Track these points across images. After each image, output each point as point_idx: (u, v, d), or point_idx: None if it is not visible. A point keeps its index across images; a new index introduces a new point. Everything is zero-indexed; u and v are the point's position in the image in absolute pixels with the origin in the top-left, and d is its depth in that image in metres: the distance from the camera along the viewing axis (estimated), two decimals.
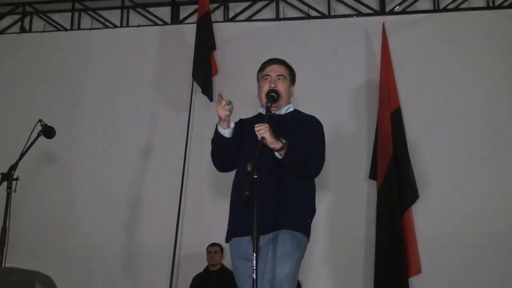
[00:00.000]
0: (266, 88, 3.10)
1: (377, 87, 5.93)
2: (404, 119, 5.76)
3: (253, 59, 6.18)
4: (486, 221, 5.49)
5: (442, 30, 6.11)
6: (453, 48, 6.02)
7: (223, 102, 2.94)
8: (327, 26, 6.39)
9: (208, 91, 6.26)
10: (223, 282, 5.64)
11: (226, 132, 3.05)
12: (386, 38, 6.02)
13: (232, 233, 3.00)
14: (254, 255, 2.57)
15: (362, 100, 6.02)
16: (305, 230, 2.96)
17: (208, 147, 6.27)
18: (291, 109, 3.19)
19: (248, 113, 6.07)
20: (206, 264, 5.79)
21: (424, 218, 5.56)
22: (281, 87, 3.11)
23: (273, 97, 3.03)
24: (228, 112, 2.95)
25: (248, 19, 6.67)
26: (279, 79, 3.13)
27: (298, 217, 2.94)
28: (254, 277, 2.56)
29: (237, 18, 6.71)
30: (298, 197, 2.95)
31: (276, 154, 2.82)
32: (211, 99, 6.27)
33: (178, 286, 5.86)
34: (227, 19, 6.75)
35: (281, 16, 6.60)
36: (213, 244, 5.77)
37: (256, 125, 2.80)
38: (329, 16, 6.49)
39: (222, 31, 6.55)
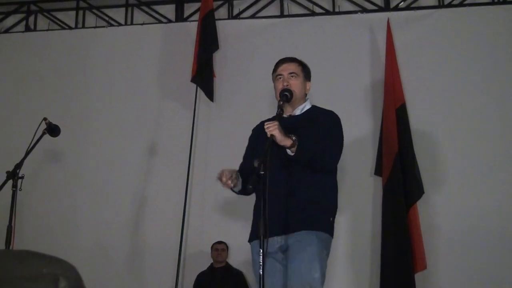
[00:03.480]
0: (280, 87, 3.14)
1: (382, 83, 5.90)
2: (409, 115, 5.74)
3: (258, 56, 6.28)
4: (492, 217, 5.47)
5: (447, 26, 6.09)
6: (458, 44, 6.00)
7: (223, 180, 2.95)
8: (331, 23, 6.37)
9: (209, 91, 6.25)
10: (227, 280, 5.65)
11: (236, 188, 3.07)
12: (391, 34, 6.00)
13: (254, 234, 3.03)
14: (261, 251, 2.59)
15: (367, 96, 6.01)
16: (329, 230, 2.99)
17: (213, 145, 6.31)
18: (308, 106, 3.21)
19: (253, 110, 6.07)
20: (211, 261, 5.80)
21: (430, 214, 5.54)
22: (294, 85, 3.14)
23: (286, 96, 3.06)
24: (232, 185, 2.97)
25: (253, 16, 6.66)
26: (291, 76, 3.16)
27: (320, 217, 2.96)
28: (261, 272, 2.57)
29: (241, 16, 6.70)
30: (319, 197, 2.97)
31: (288, 151, 2.84)
32: (212, 99, 6.26)
33: (184, 284, 5.86)
34: (231, 16, 6.74)
35: (285, 13, 6.58)
36: (219, 242, 5.79)
37: (265, 123, 2.84)
38: (333, 12, 6.46)
39: (226, 28, 6.54)
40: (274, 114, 3.21)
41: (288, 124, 2.99)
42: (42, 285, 1.34)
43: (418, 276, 5.30)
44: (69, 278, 1.38)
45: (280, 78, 3.17)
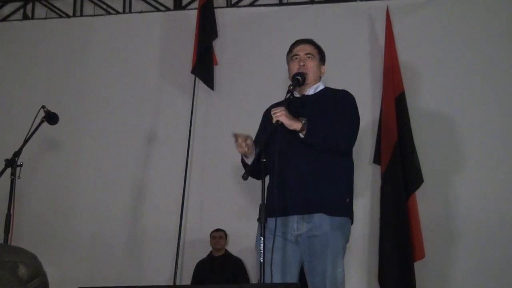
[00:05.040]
0: (295, 68, 3.10)
1: (381, 72, 5.89)
2: (408, 104, 5.72)
3: (257, 45, 6.26)
4: (491, 206, 5.47)
5: (447, 13, 6.05)
6: (458, 32, 5.97)
7: (239, 140, 2.92)
8: (330, 11, 6.34)
9: (209, 80, 6.24)
10: (227, 267, 5.67)
11: (249, 160, 3.02)
12: (390, 22, 5.97)
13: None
14: (261, 238, 2.59)
15: (366, 85, 5.99)
16: (346, 212, 2.98)
17: (211, 134, 6.31)
18: (321, 87, 3.18)
19: (252, 98, 6.05)
20: (210, 249, 5.81)
21: (428, 202, 5.54)
22: (310, 66, 3.12)
23: (298, 80, 3.03)
24: (246, 149, 2.93)
25: (251, 4, 6.62)
26: (308, 57, 3.14)
27: (336, 198, 2.94)
28: (262, 260, 2.58)
29: (240, 4, 6.66)
30: (334, 178, 2.95)
31: (300, 135, 2.84)
32: (212, 88, 6.25)
33: (183, 272, 5.88)
34: (230, 4, 6.70)
35: (284, 1, 6.54)
36: (217, 230, 5.81)
37: (272, 110, 2.84)
38: (332, 0, 6.43)
39: (225, 16, 6.52)
40: (279, 98, 3.19)
41: (300, 104, 3.00)
42: (2, 271, 1.44)
43: (417, 265, 5.31)
44: (28, 266, 1.49)
45: (297, 58, 3.14)
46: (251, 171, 2.79)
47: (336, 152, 2.96)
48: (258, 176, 2.87)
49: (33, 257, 1.54)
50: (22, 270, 1.47)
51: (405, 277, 5.23)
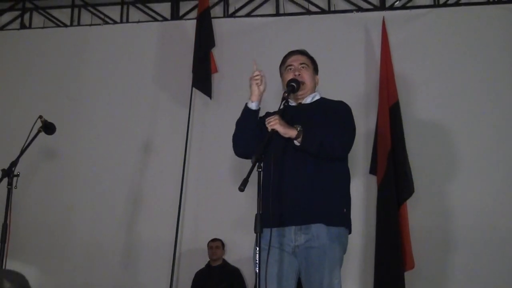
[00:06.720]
0: (290, 77, 3.10)
1: (377, 82, 5.91)
2: (402, 113, 5.74)
3: (253, 55, 6.23)
4: (483, 216, 5.48)
5: (442, 25, 6.10)
6: (453, 43, 6.01)
7: (256, 72, 3.04)
8: (327, 22, 6.38)
9: (207, 89, 6.26)
10: (224, 277, 5.66)
11: (253, 105, 3.07)
12: (386, 33, 6.01)
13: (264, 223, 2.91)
14: (257, 249, 2.58)
15: (361, 95, 6.01)
16: (344, 222, 2.96)
17: (208, 144, 6.30)
18: (317, 97, 3.19)
19: None
20: (208, 259, 5.80)
21: (422, 211, 5.55)
22: (306, 74, 3.14)
23: (292, 86, 3.02)
24: (255, 85, 3.05)
25: (248, 15, 6.66)
26: (302, 67, 3.15)
27: (333, 208, 2.92)
28: (257, 270, 2.57)
29: (237, 14, 6.70)
30: (330, 186, 2.93)
31: (295, 142, 2.84)
32: (210, 97, 6.27)
33: (179, 282, 5.87)
34: (227, 14, 6.74)
35: (281, 11, 6.58)
36: (214, 240, 5.79)
37: (266, 119, 2.84)
38: (329, 11, 6.47)
39: (222, 26, 6.55)
40: (275, 107, 3.22)
41: (297, 112, 3.01)
42: None
43: (410, 275, 5.31)
44: (13, 281, 1.57)
45: (291, 68, 3.15)
46: (245, 122, 3.03)
47: (330, 158, 2.93)
48: (246, 143, 3.04)
49: (21, 276, 1.59)
50: (7, 285, 1.53)
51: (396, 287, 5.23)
